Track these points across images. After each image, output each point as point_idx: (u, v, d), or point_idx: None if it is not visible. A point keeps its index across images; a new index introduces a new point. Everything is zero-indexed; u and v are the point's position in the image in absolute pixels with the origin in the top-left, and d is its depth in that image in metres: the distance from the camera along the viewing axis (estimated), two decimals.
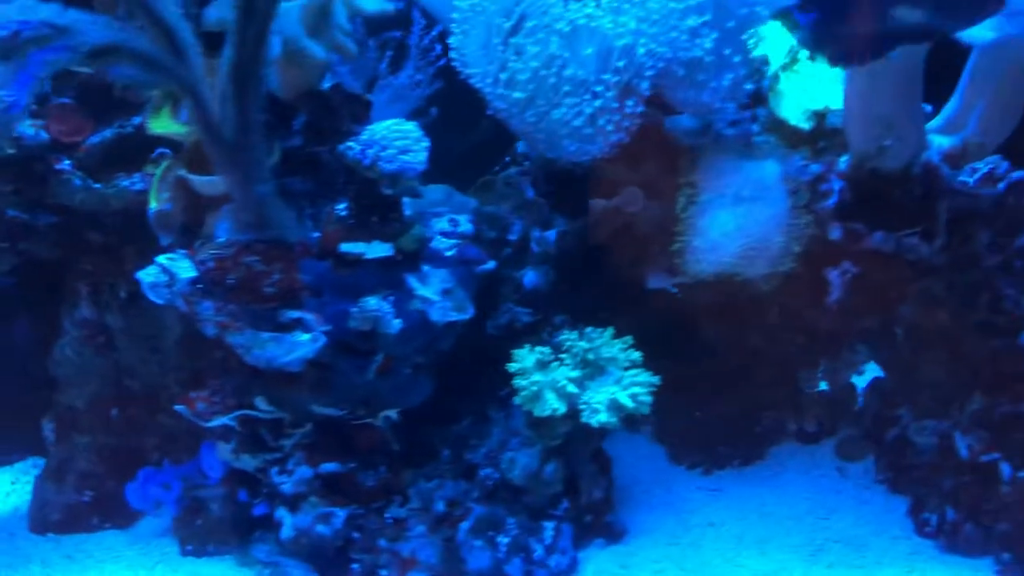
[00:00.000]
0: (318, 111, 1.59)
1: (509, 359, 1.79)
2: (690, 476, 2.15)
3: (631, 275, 1.92)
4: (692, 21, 1.59)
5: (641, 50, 1.50)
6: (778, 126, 1.81)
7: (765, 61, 1.76)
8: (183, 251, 1.56)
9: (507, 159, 1.98)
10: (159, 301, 1.55)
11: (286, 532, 1.70)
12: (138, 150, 1.68)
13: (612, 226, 1.86)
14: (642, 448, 2.20)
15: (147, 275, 1.57)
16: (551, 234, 1.85)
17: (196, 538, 1.93)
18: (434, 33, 1.89)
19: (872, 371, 2.12)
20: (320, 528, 1.67)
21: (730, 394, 2.11)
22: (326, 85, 1.67)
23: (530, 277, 1.87)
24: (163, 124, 1.55)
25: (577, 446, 1.87)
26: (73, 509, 2.03)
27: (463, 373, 1.91)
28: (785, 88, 1.81)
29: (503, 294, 1.88)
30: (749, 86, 1.65)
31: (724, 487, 2.10)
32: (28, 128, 1.60)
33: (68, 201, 1.69)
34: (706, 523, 1.98)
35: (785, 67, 1.84)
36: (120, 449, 2.01)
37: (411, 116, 1.93)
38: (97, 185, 1.68)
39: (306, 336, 1.53)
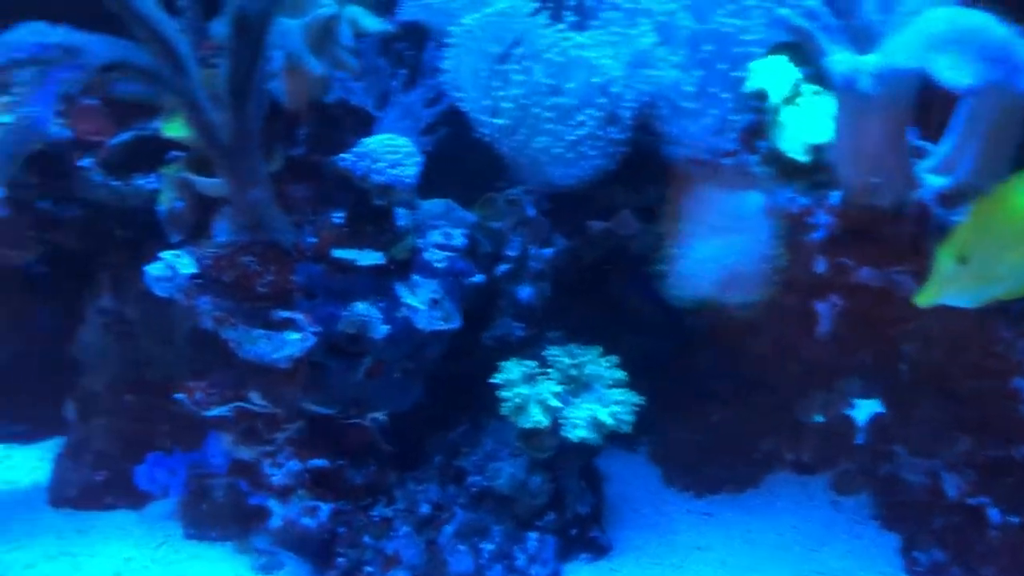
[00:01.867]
0: (320, 122, 1.67)
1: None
2: (682, 498, 2.16)
3: (626, 295, 1.95)
4: (676, 59, 1.62)
5: (623, 89, 1.54)
6: (777, 158, 1.83)
7: (763, 95, 1.79)
8: (188, 248, 1.65)
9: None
10: (162, 294, 1.64)
11: (275, 522, 1.77)
12: (155, 152, 1.78)
13: (606, 247, 1.90)
14: (638, 468, 2.22)
15: (153, 269, 1.66)
16: (548, 251, 1.90)
17: (199, 523, 2.02)
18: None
19: (869, 406, 2.11)
20: (306, 520, 1.74)
21: (727, 419, 2.12)
22: (331, 98, 1.74)
23: (525, 292, 1.92)
24: (175, 128, 1.65)
25: (565, 460, 1.91)
26: (88, 487, 2.13)
27: (459, 382, 1.97)
28: (786, 121, 1.83)
29: (500, 307, 1.93)
30: (741, 120, 1.67)
31: (715, 511, 2.11)
32: (53, 126, 1.72)
33: (88, 196, 1.79)
34: (693, 546, 2.00)
35: (787, 100, 1.86)
36: (134, 433, 2.11)
37: (421, 133, 2.00)
38: (116, 182, 1.79)
39: (296, 335, 1.60)
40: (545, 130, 1.54)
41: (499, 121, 1.58)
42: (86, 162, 1.77)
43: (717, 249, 1.59)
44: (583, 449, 1.91)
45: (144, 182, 1.77)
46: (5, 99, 1.71)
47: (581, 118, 1.56)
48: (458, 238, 1.74)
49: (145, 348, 2.04)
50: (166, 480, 2.05)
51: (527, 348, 1.92)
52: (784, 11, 1.45)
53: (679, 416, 2.11)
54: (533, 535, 1.88)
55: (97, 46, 1.31)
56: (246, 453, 1.84)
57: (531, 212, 1.92)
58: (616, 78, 1.52)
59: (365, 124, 1.73)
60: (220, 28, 1.51)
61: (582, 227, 1.92)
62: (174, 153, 1.78)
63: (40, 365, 2.24)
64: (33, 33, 1.27)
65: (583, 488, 1.97)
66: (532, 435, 1.85)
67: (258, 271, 1.58)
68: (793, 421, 2.15)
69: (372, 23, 1.57)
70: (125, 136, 1.76)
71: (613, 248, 1.87)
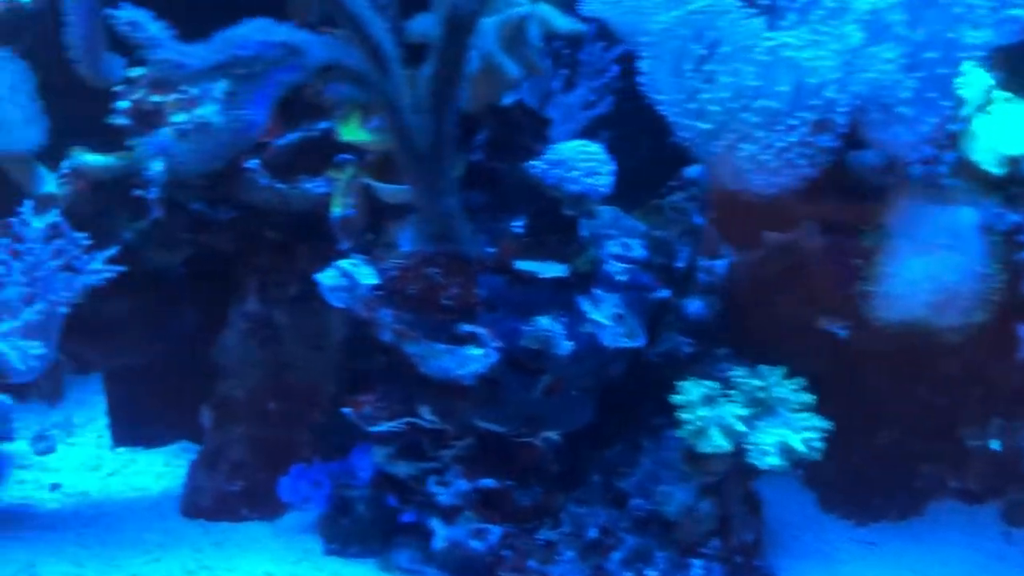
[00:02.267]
0: (501, 126, 1.59)
1: (666, 388, 1.76)
2: (842, 525, 2.07)
3: (800, 314, 1.85)
4: (893, 58, 1.52)
5: (836, 91, 1.44)
6: (968, 170, 1.72)
7: (960, 102, 1.68)
8: (364, 257, 1.57)
9: (672, 183, 1.94)
10: (338, 305, 1.57)
11: (438, 543, 1.70)
12: (321, 154, 1.70)
13: (785, 261, 1.80)
14: (792, 492, 2.12)
15: (327, 278, 1.59)
16: (721, 264, 1.80)
17: (340, 538, 1.95)
18: (612, 54, 1.86)
19: None
20: (474, 543, 1.66)
21: (891, 443, 2.02)
22: (507, 101, 1.66)
23: (695, 306, 1.83)
24: (352, 132, 1.57)
25: (731, 485, 1.82)
26: (223, 497, 2.07)
27: (617, 398, 1.88)
28: (978, 130, 1.72)
29: (666, 322, 1.84)
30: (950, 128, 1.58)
31: (878, 540, 2.01)
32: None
33: (252, 199, 1.73)
34: None
35: (980, 108, 1.75)
36: (273, 442, 2.05)
37: (579, 136, 1.92)
38: (281, 185, 1.72)
39: (479, 351, 1.52)
40: (753, 136, 1.45)
41: (705, 126, 1.49)
42: (252, 163, 1.70)
43: (930, 267, 1.49)
44: (747, 473, 1.82)
45: (311, 185, 1.70)
46: (173, 97, 1.65)
47: (792, 123, 1.46)
48: (637, 249, 1.65)
49: (291, 354, 1.97)
50: (309, 492, 1.98)
51: (694, 365, 1.83)
52: (1018, 11, 1.34)
53: (839, 439, 2.00)
54: (698, 563, 1.80)
55: (316, 46, 1.23)
56: (403, 469, 1.76)
57: (697, 220, 1.83)
58: (831, 80, 1.42)
59: (544, 127, 1.64)
60: (417, 27, 1.44)
61: (754, 238, 1.82)
62: (342, 156, 1.70)
63: (174, 369, 2.18)
64: (258, 30, 1.19)
65: (747, 513, 1.87)
66: (702, 459, 1.75)
67: (443, 283, 1.50)
68: (959, 447, 2.04)
69: (564, 23, 1.49)
70: (292, 137, 1.68)
71: (792, 264, 1.77)
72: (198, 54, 1.20)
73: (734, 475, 1.81)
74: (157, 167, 1.80)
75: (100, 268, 1.68)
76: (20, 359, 1.50)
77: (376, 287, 1.53)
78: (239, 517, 2.08)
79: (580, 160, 1.49)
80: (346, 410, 1.66)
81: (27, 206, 1.66)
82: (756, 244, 1.82)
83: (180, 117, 1.63)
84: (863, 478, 2.05)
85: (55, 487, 2.22)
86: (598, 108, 1.87)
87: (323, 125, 1.69)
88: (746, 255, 1.81)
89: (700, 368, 1.83)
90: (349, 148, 1.69)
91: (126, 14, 1.19)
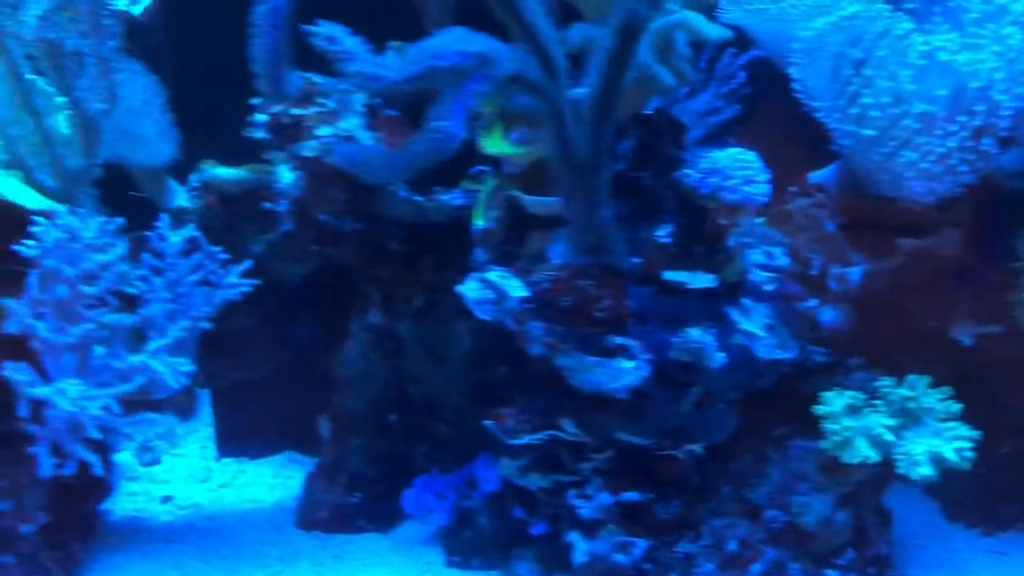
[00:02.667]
0: (646, 135, 1.58)
1: (795, 398, 1.74)
2: (968, 535, 2.04)
3: (932, 323, 1.83)
4: None
5: (999, 94, 1.42)
6: None
7: None
8: (508, 270, 1.56)
9: (793, 189, 1.92)
10: (485, 317, 1.56)
11: (579, 557, 1.68)
12: (454, 167, 1.69)
13: (922, 269, 1.77)
14: (915, 501, 2.09)
15: (470, 290, 1.58)
16: (854, 272, 1.78)
17: (462, 550, 1.94)
18: (742, 60, 1.84)
19: None
20: (618, 557, 1.64)
21: (1017, 451, 1.98)
22: (650, 108, 1.65)
23: (827, 315, 1.80)
24: (496, 144, 1.56)
25: (866, 496, 1.80)
26: (341, 509, 2.06)
27: (746, 408, 1.86)
28: None
29: None
30: None
31: (1009, 551, 1.98)
32: (367, 139, 1.64)
33: (391, 211, 1.72)
34: None
35: None
36: (392, 454, 2.04)
37: (704, 142, 1.90)
38: (419, 198, 1.71)
39: (630, 364, 1.51)
40: (914, 142, 1.43)
41: (868, 132, 1.46)
42: None
43: None
44: (881, 484, 1.79)
45: (447, 197, 1.69)
46: (313, 110, 1.64)
47: (952, 128, 1.44)
48: (780, 258, 1.63)
49: (413, 366, 1.96)
50: (433, 504, 1.97)
51: (826, 375, 1.80)
52: None
53: None
54: (833, 573, 1.77)
55: (505, 57, 1.22)
56: (535, 481, 1.75)
57: (829, 227, 1.80)
58: (994, 83, 1.40)
59: (684, 135, 1.63)
60: (579, 35, 1.42)
61: (887, 246, 1.80)
62: (478, 168, 1.69)
63: (283, 380, 2.18)
64: (457, 40, 1.18)
65: (879, 524, 1.85)
66: (839, 469, 1.73)
67: (596, 296, 1.49)
68: None
69: (713, 31, 1.47)
70: None
71: (930, 271, 1.75)
72: (394, 66, 1.19)
73: (869, 486, 1.78)
74: (287, 179, 1.80)
75: (236, 282, 1.68)
76: (172, 376, 1.49)
77: (526, 299, 1.52)
78: (356, 529, 2.08)
79: (737, 168, 1.47)
80: (488, 423, 1.64)
81: (164, 220, 1.66)
82: (890, 251, 1.79)
83: (325, 131, 1.62)
84: (989, 487, 2.01)
85: (166, 499, 2.22)
86: (723, 114, 1.85)
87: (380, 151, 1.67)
88: (881, 262, 1.78)
89: (832, 378, 1.80)
90: (487, 160, 1.68)
91: (324, 29, 1.18)
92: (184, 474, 2.33)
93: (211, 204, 1.79)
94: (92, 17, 1.52)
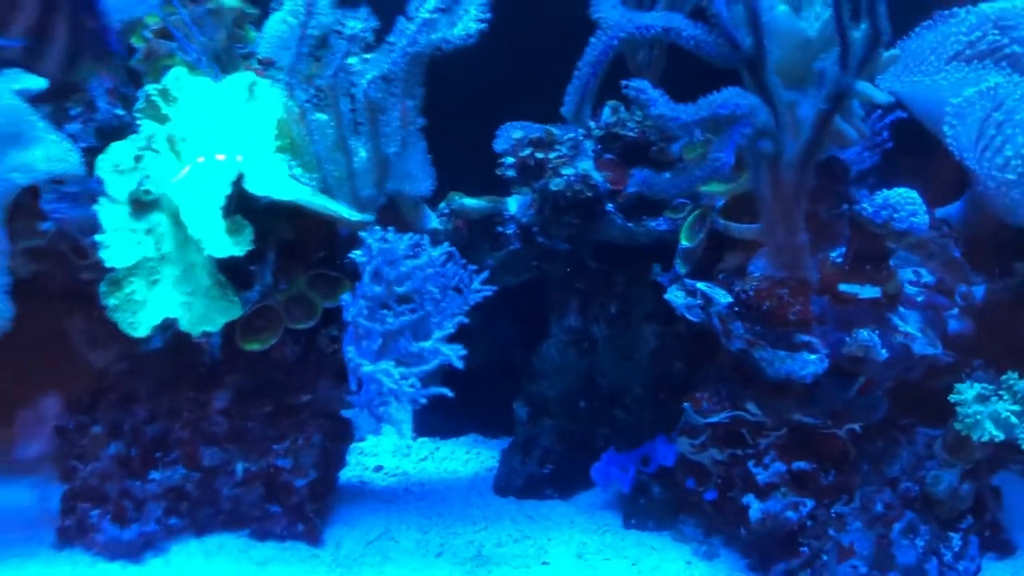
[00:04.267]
0: (825, 177, 2.00)
1: (919, 393, 2.14)
2: None
3: None
4: None
5: None
6: None
7: None
8: (709, 282, 1.99)
9: None
10: (694, 319, 1.98)
11: (755, 515, 2.08)
12: (656, 200, 2.13)
13: None
14: (1013, 483, 2.48)
15: (677, 298, 2.00)
16: (978, 290, 2.19)
17: (639, 514, 2.35)
18: (887, 120, 2.26)
19: None
20: (789, 514, 2.05)
21: None
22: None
23: (953, 325, 2.21)
24: (714, 186, 1.99)
25: (983, 471, 2.20)
26: (533, 479, 2.49)
27: None
28: None
29: None
30: None
31: None
32: (599, 178, 2.09)
33: (609, 235, 2.15)
34: None
35: None
36: (578, 434, 2.47)
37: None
38: (630, 224, 2.14)
39: (813, 356, 1.92)
40: None
41: (1009, 176, 1.88)
42: (609, 207, 2.13)
43: None
44: (995, 462, 2.19)
45: (654, 224, 2.12)
46: (554, 155, 2.07)
47: None
48: (926, 276, 2.04)
49: (603, 362, 2.38)
50: (617, 476, 2.38)
51: (951, 374, 2.20)
52: None
53: None
54: (956, 535, 2.16)
55: (762, 110, 1.66)
56: (716, 455, 2.16)
57: (956, 253, 2.21)
58: None
59: (847, 176, 2.05)
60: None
61: (1005, 268, 2.21)
62: (680, 200, 2.13)
63: (483, 373, 2.60)
64: (734, 95, 1.62)
65: (992, 495, 2.24)
66: (964, 448, 2.13)
67: (790, 302, 1.91)
68: None
69: (881, 96, 1.89)
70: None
71: None
72: (687, 111, 1.63)
73: (986, 463, 2.18)
74: (514, 208, 2.24)
75: (479, 288, 2.10)
76: (457, 359, 1.92)
77: (731, 304, 1.94)
78: (544, 496, 2.50)
79: (905, 204, 1.89)
80: (686, 404, 2.07)
81: (425, 239, 2.09)
82: (1007, 273, 2.20)
83: (568, 170, 2.06)
84: None
85: (378, 468, 2.65)
86: (865, 163, 2.27)
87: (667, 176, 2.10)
88: (1000, 283, 2.19)
89: (956, 377, 2.20)
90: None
91: (635, 83, 1.62)
92: (389, 449, 2.76)
93: (459, 227, 2.23)
94: (405, 85, 1.96)
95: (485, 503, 2.48)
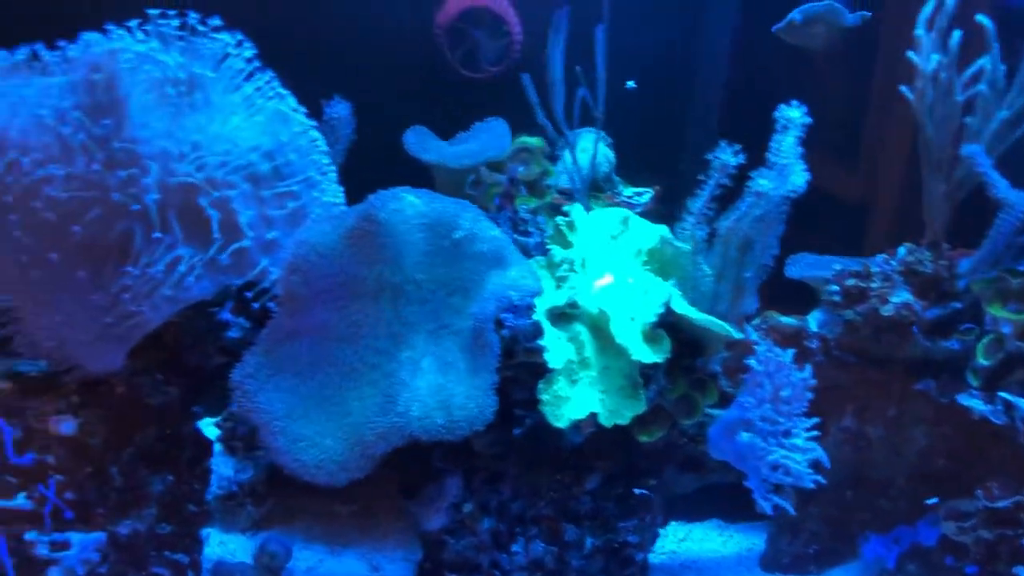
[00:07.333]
0: None
1: None
2: None
3: None
4: None
5: None
6: None
7: None
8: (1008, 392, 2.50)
9: None
10: (997, 422, 2.47)
11: None
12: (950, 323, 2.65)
13: None
14: None
15: (977, 404, 2.50)
16: None
17: None
18: None
19: None
20: None
21: None
22: None
23: None
24: (997, 310, 2.51)
25: None
26: (799, 557, 2.91)
27: None
28: None
29: None
30: None
31: None
32: (919, 306, 2.60)
33: (910, 352, 2.65)
34: None
35: None
36: (843, 520, 2.91)
37: None
38: (927, 343, 2.65)
39: None
40: None
41: None
42: (914, 329, 2.63)
43: None
44: None
45: (947, 343, 2.63)
46: (875, 284, 2.58)
47: None
48: None
49: (875, 458, 2.85)
50: (884, 552, 2.83)
51: None
52: None
53: None
54: None
55: None
56: (983, 535, 2.62)
57: None
58: None
59: None
60: None
61: None
62: (967, 325, 2.64)
63: None
64: None
65: None
66: None
67: None
68: None
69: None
70: (935, 312, 2.63)
71: None
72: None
73: None
74: (812, 326, 2.72)
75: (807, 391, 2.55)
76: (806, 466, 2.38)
77: None
78: (806, 571, 2.92)
79: None
80: (978, 492, 2.54)
81: (764, 346, 2.53)
82: None
83: (895, 298, 2.56)
84: None
85: None
86: None
87: (956, 305, 2.62)
88: None
89: None
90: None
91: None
92: None
93: (776, 341, 2.69)
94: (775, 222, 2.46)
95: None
